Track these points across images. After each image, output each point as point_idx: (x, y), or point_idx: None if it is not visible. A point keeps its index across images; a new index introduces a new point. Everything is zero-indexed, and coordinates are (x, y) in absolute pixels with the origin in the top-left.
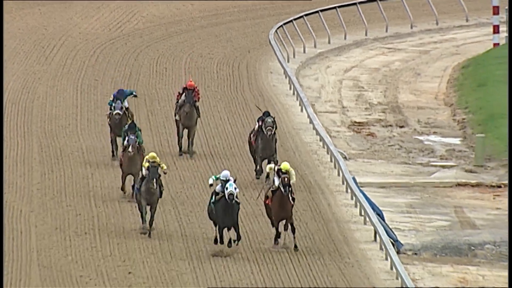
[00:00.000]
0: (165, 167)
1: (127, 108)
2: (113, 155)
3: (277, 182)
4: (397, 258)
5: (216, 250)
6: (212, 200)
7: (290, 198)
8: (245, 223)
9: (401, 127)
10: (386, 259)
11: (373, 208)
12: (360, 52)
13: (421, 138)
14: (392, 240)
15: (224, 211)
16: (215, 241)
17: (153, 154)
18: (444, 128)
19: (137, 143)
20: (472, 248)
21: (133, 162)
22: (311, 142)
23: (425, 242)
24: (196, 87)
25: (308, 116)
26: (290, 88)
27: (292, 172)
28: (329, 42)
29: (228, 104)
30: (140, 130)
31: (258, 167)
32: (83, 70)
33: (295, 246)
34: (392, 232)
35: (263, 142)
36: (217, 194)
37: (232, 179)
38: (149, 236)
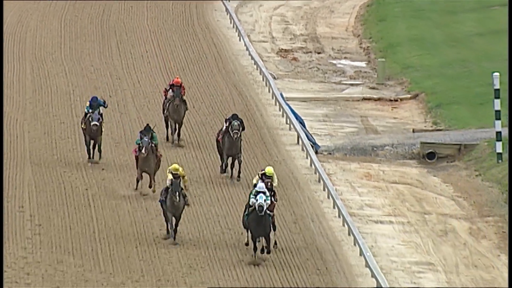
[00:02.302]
0: (187, 182)
1: (101, 115)
2: (89, 157)
3: (260, 184)
4: (316, 157)
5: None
6: (246, 213)
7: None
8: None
9: (319, 53)
10: (307, 158)
11: (296, 118)
12: None
13: (334, 62)
14: (311, 143)
15: (256, 222)
16: (247, 244)
17: (176, 165)
18: (352, 54)
19: (150, 144)
20: (375, 149)
21: (147, 162)
22: (247, 65)
23: (337, 144)
24: (182, 83)
25: (245, 45)
26: (231, 22)
27: (275, 176)
28: None
29: (181, 35)
30: (154, 132)
31: (224, 163)
32: (65, 8)
33: (275, 243)
34: (312, 136)
35: (229, 142)
36: (250, 206)
37: (266, 191)
38: (175, 243)
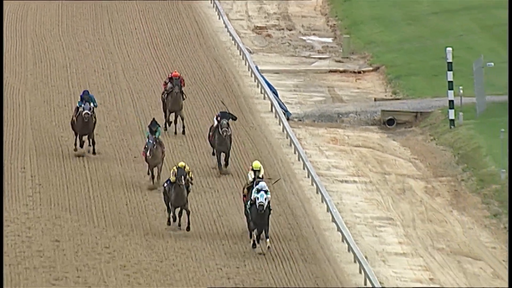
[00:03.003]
0: (192, 177)
1: (93, 109)
2: (75, 149)
3: (251, 178)
4: (287, 123)
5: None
6: (248, 207)
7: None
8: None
9: (290, 30)
10: (279, 124)
11: (270, 88)
12: None
13: (304, 38)
14: (283, 110)
15: (256, 215)
16: (253, 245)
17: (182, 163)
18: (320, 31)
19: (154, 146)
20: (340, 116)
21: (155, 156)
22: (226, 41)
23: (307, 112)
24: (180, 76)
25: (224, 23)
26: (211, 2)
27: (262, 169)
28: None
29: (166, 13)
30: (159, 126)
31: (218, 161)
32: None
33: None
34: (284, 104)
35: (220, 139)
36: (251, 201)
37: (267, 189)
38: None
